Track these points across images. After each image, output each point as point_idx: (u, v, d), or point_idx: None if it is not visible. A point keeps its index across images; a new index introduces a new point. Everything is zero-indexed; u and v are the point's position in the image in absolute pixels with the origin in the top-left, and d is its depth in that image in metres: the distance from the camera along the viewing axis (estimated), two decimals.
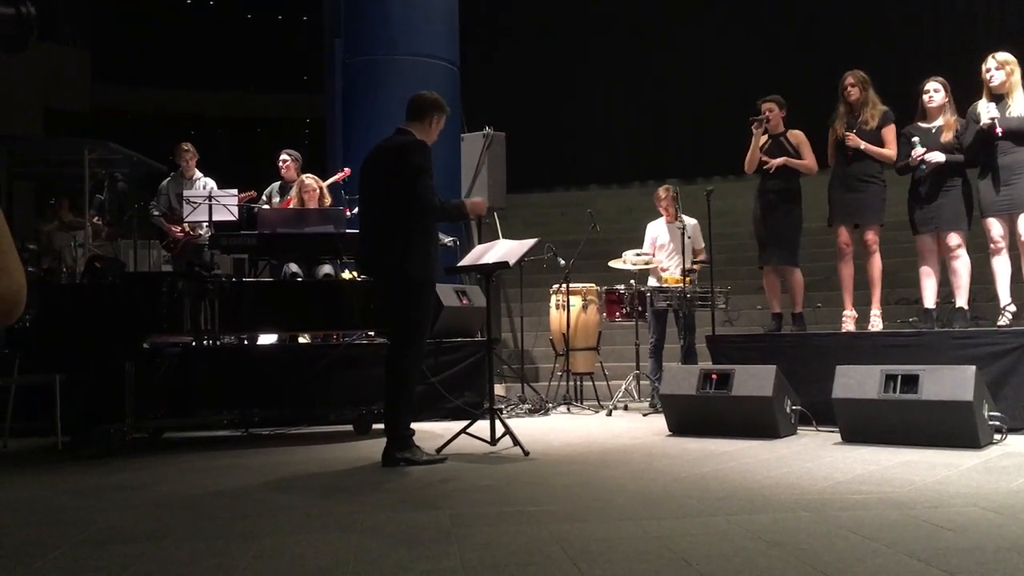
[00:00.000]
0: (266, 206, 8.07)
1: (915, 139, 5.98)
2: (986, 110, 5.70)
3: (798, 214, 6.59)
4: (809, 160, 6.52)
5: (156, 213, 8.34)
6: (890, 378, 5.00)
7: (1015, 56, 5.79)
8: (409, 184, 4.66)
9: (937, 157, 5.88)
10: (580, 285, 8.14)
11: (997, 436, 4.94)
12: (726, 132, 11.35)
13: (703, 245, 7.60)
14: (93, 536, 3.20)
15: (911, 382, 4.92)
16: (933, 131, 6.02)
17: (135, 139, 13.03)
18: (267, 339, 7.09)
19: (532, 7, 15.61)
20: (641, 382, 7.88)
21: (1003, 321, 5.76)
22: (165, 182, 8.48)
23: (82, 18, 18.97)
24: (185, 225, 8.06)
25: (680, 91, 15.12)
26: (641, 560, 2.69)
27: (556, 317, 8.13)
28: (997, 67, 5.73)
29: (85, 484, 4.37)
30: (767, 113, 6.58)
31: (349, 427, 6.14)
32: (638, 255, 7.75)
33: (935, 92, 6.04)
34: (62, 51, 17.75)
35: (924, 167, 5.96)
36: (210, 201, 7.60)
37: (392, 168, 4.76)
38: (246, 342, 6.92)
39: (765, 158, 6.54)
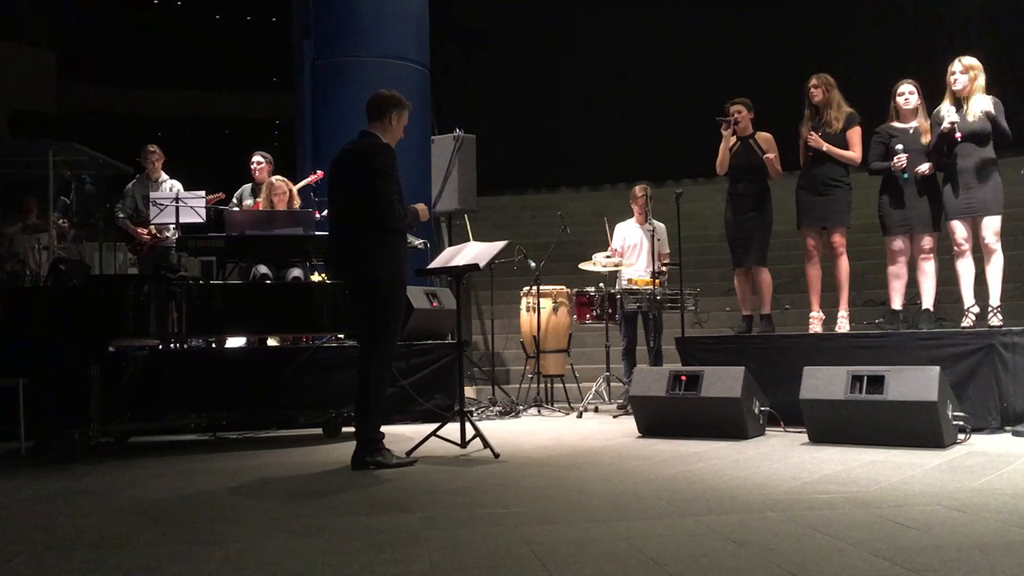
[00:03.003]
0: (237, 207, 8.01)
1: (899, 146, 5.99)
2: (948, 113, 5.79)
3: (768, 215, 6.63)
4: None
5: (121, 215, 8.24)
6: (856, 379, 5.06)
7: (979, 61, 5.88)
8: (373, 187, 4.65)
9: (924, 169, 5.95)
10: (551, 287, 8.16)
11: (961, 436, 5.02)
12: (696, 135, 11.44)
13: (668, 251, 7.64)
14: (57, 542, 3.16)
15: (877, 383, 4.98)
16: (911, 132, 6.08)
17: (103, 140, 12.86)
18: (236, 342, 7.04)
19: (503, 10, 15.62)
20: (611, 384, 7.91)
21: (967, 323, 5.85)
22: (130, 184, 8.38)
23: (48, 18, 18.73)
24: (152, 227, 7.99)
25: (651, 94, 15.21)
26: (610, 561, 2.70)
27: (527, 319, 8.14)
28: (962, 71, 5.80)
29: (49, 489, 4.31)
30: (735, 115, 6.63)
31: (318, 430, 6.11)
32: (608, 257, 7.79)
33: (910, 95, 6.11)
34: (28, 51, 17.51)
35: (907, 176, 6.01)
36: (177, 203, 7.53)
37: (357, 171, 4.76)
38: (214, 345, 6.86)
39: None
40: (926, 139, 6.01)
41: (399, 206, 4.69)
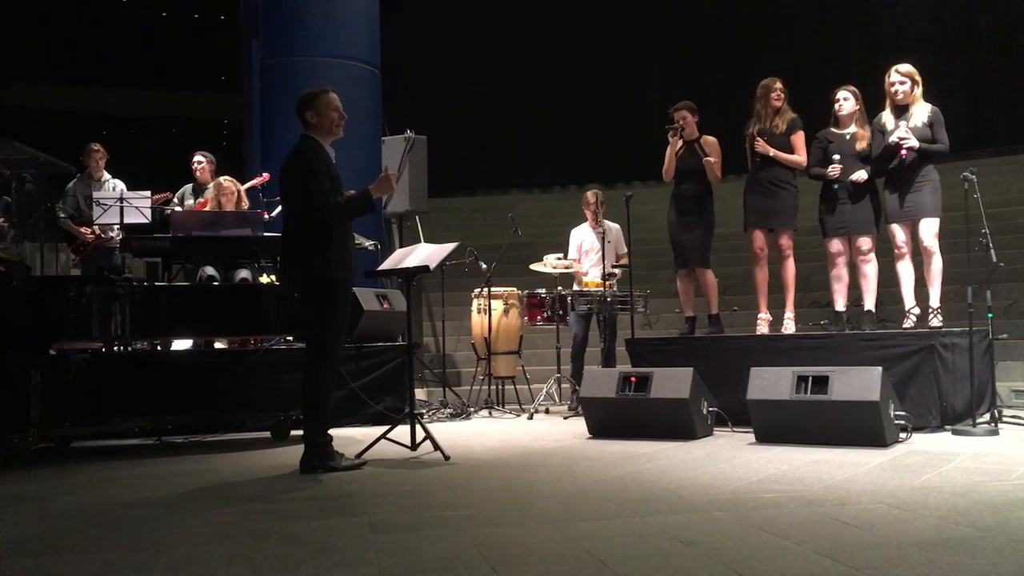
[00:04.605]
0: (178, 208, 7.89)
1: (835, 156, 6.12)
2: (893, 126, 5.92)
3: (710, 217, 6.71)
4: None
5: (63, 215, 8.07)
6: (801, 379, 5.14)
7: (917, 68, 6.02)
8: (306, 188, 4.63)
9: (861, 176, 6.06)
10: (502, 289, 8.17)
11: (903, 435, 5.12)
12: (646, 137, 11.50)
13: (626, 251, 7.70)
14: None
15: (821, 383, 5.07)
16: (847, 138, 6.20)
17: (45, 138, 12.58)
18: (182, 344, 6.93)
19: (455, 10, 15.60)
20: (562, 385, 7.93)
21: (908, 324, 5.98)
22: (72, 183, 8.21)
23: None
24: (95, 228, 7.83)
25: (601, 96, 15.29)
26: (559, 563, 2.70)
27: (478, 321, 8.14)
28: (900, 80, 5.95)
29: None
30: (680, 121, 6.70)
31: (267, 434, 6.04)
32: (559, 259, 7.82)
33: (844, 100, 6.25)
34: None
35: (837, 186, 6.13)
36: (121, 203, 7.40)
37: (292, 173, 4.75)
38: (159, 347, 6.75)
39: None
40: (861, 145, 6.14)
41: (331, 201, 4.61)
